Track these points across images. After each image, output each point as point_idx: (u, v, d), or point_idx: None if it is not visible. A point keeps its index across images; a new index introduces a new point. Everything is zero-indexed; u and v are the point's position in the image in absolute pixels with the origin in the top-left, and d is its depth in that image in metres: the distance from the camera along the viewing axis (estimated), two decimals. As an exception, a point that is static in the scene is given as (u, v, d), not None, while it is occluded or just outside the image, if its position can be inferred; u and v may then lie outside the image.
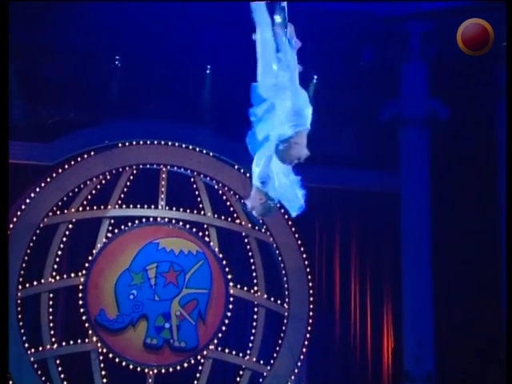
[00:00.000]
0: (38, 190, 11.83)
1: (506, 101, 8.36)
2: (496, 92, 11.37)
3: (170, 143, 12.24)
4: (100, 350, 11.85)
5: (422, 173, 11.55)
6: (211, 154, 12.17)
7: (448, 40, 10.88)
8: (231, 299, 12.09)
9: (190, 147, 12.31)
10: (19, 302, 11.50)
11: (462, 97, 11.42)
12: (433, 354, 11.36)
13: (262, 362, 12.01)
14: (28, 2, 9.70)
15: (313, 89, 11.34)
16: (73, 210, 11.98)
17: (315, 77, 11.61)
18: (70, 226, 11.97)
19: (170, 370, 12.01)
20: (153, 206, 12.28)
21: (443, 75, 11.35)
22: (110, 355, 11.91)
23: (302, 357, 12.08)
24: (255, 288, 12.25)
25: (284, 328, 12.09)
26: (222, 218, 12.14)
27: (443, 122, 11.46)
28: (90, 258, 11.96)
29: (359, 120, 11.66)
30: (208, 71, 12.03)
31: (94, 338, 11.84)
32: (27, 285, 11.69)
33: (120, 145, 12.24)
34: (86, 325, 11.84)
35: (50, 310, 11.45)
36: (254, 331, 12.04)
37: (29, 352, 11.56)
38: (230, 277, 12.19)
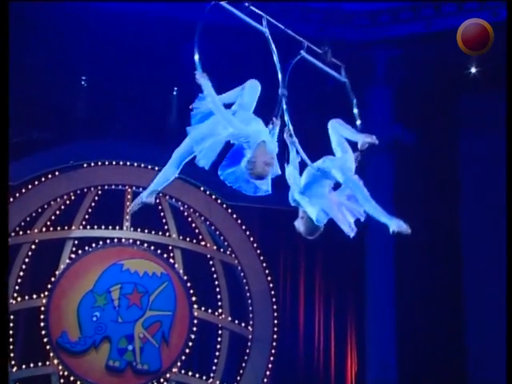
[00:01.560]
0: (0, 209, 11.71)
1: (506, 102, 8.33)
2: (460, 118, 11.61)
3: (135, 164, 12.22)
4: (61, 373, 11.73)
5: (387, 197, 11.27)
6: (176, 175, 12.20)
7: (413, 66, 11.11)
8: (195, 321, 12.02)
9: (156, 168, 12.19)
10: (-21, 323, 11.35)
11: (426, 122, 11.49)
12: (396, 378, 11.44)
13: (225, 384, 11.93)
14: (28, 2, 9.63)
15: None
16: (36, 230, 11.89)
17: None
18: (33, 246, 11.88)
19: (133, 393, 11.87)
20: (117, 227, 12.23)
21: (408, 101, 11.39)
22: (71, 378, 11.78)
23: (265, 380, 12.10)
24: (219, 310, 12.22)
25: (248, 351, 12.08)
26: (187, 239, 12.12)
27: (408, 147, 11.49)
28: (53, 279, 11.85)
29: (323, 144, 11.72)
30: (175, 93, 12.06)
31: (55, 361, 11.71)
32: (-13, 306, 11.54)
33: (85, 165, 12.20)
34: (47, 347, 11.70)
35: (11, 332, 11.20)
36: (217, 354, 12.00)
37: (-13, 375, 11.38)
38: (194, 299, 12.15)
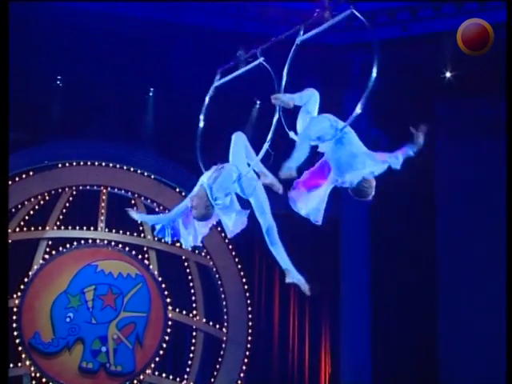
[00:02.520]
0: (-27, 209, 11.63)
1: (506, 103, 8.39)
2: (435, 123, 11.43)
3: (110, 164, 12.13)
4: (33, 375, 11.65)
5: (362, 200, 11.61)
6: (152, 176, 12.11)
7: (389, 70, 10.53)
8: (169, 323, 11.99)
9: (132, 169, 12.22)
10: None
11: (402, 127, 11.20)
12: (370, 380, 11.44)
13: (199, 386, 11.93)
14: (28, 2, 9.62)
15: (255, 114, 11.48)
16: (10, 230, 11.74)
17: (258, 102, 11.70)
18: (7, 246, 11.80)
19: (106, 394, 11.79)
20: (92, 228, 12.15)
21: (384, 105, 11.11)
22: (44, 380, 11.69)
23: (239, 382, 12.06)
24: (194, 312, 12.18)
25: (222, 353, 12.04)
26: (162, 241, 11.12)
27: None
28: (26, 279, 11.76)
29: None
30: (151, 93, 12.00)
31: (27, 362, 11.62)
32: (-41, 306, 11.44)
33: (60, 165, 12.10)
34: (19, 348, 11.60)
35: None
36: (191, 355, 11.96)
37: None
38: (168, 300, 12.10)
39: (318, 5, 5.09)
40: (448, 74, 11.07)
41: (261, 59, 5.35)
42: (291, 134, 5.24)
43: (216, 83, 5.50)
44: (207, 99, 5.75)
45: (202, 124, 5.52)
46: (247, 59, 5.43)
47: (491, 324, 10.69)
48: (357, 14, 5.08)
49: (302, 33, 5.26)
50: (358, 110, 5.09)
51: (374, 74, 5.48)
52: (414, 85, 11.24)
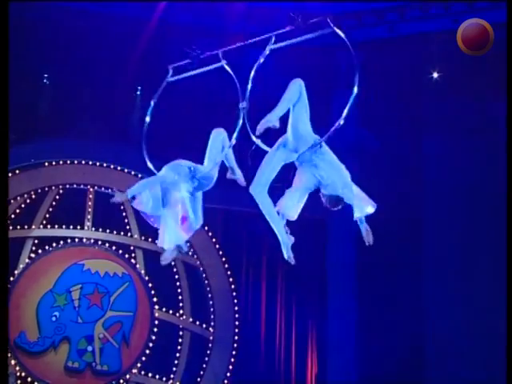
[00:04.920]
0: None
1: (507, 102, 8.26)
2: (423, 125, 11.43)
3: (97, 163, 12.06)
4: (18, 374, 11.58)
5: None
6: (139, 175, 11.94)
7: (377, 70, 10.86)
8: (156, 322, 11.95)
9: (118, 168, 12.12)
10: None
11: (390, 128, 11.36)
12: (356, 380, 11.38)
13: (185, 386, 11.87)
14: (28, 2, 9.63)
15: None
16: (-5, 228, 11.70)
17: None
18: (-8, 245, 11.71)
19: (91, 394, 11.72)
20: (79, 227, 12.08)
21: (372, 105, 11.15)
22: (29, 379, 11.63)
23: (225, 381, 12.00)
24: (181, 311, 12.11)
25: (208, 352, 11.99)
26: (149, 240, 11.88)
27: (372, 152, 11.44)
28: (12, 278, 11.65)
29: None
30: (138, 92, 11.97)
31: (13, 361, 11.52)
32: None
33: (46, 164, 12.03)
34: (5, 347, 11.51)
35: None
36: (178, 355, 11.91)
37: None
38: (155, 300, 12.06)
39: (289, 20, 5.13)
40: (435, 75, 11.08)
41: (223, 62, 5.46)
42: (255, 139, 5.31)
43: (168, 79, 5.65)
44: (156, 97, 5.92)
45: (148, 120, 5.76)
46: (201, 58, 5.56)
47: (479, 322, 10.76)
48: (339, 32, 5.21)
49: (273, 41, 5.34)
50: (341, 121, 5.11)
51: (355, 90, 5.48)
52: (401, 84, 11.19)
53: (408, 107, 11.48)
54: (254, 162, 5.29)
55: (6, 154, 5.61)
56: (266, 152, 5.33)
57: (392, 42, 10.60)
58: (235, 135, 5.28)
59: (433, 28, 10.13)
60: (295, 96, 5.30)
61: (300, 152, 5.15)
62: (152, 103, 5.65)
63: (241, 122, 5.31)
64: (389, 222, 10.88)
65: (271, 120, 5.08)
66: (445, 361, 11.01)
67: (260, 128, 5.11)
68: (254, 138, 5.26)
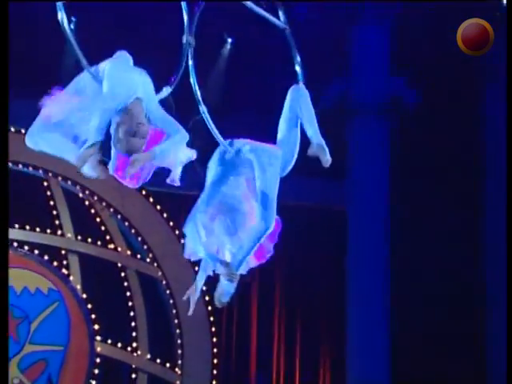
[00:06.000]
0: None
1: (507, 102, 8.53)
2: (485, 69, 10.30)
3: (12, 129, 10.13)
4: None
5: (378, 182, 10.15)
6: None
7: None
8: (98, 360, 10.48)
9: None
10: None
11: (435, 75, 10.33)
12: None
13: None
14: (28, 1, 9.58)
15: (226, 54, 10.49)
16: None
17: (229, 40, 10.46)
18: None
19: None
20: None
21: (410, 45, 10.29)
22: None
23: None
24: (134, 344, 10.57)
25: (174, 405, 11.12)
26: (89, 240, 10.66)
27: (409, 110, 10.39)
28: None
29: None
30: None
31: None
32: None
33: None
34: None
35: None
36: (129, 407, 11.06)
37: None
38: (96, 327, 10.44)
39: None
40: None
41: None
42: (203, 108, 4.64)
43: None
44: None
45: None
46: None
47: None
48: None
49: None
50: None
51: None
52: (448, 18, 9.59)
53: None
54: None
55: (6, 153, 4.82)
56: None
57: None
58: (175, 80, 4.57)
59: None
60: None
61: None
62: None
63: (184, 63, 4.64)
64: (434, 204, 10.37)
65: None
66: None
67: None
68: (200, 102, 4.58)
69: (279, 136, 4.80)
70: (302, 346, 11.00)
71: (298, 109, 4.78)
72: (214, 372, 10.63)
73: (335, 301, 10.71)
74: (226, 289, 4.53)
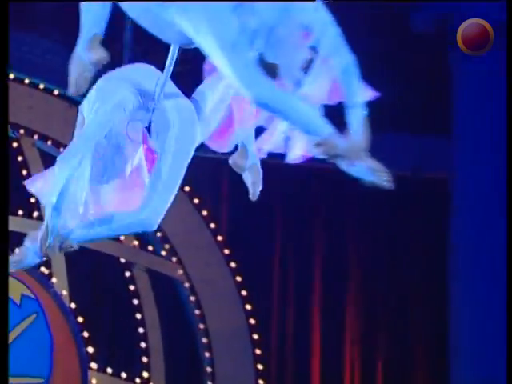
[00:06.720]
0: None
1: (506, 103, 8.08)
2: None
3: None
4: None
5: (495, 137, 8.50)
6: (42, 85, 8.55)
7: None
8: None
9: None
10: None
11: None
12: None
13: None
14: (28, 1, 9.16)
15: None
16: None
17: None
18: None
19: None
20: None
21: None
22: None
23: None
24: (144, 375, 8.57)
25: None
26: None
27: None
28: None
29: (378, 31, 8.96)
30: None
31: None
32: None
33: None
34: None
35: None
36: None
37: None
38: (90, 350, 8.59)
39: None
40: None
41: None
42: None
43: None
44: None
45: None
46: None
47: None
48: None
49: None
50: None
51: None
52: None
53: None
54: None
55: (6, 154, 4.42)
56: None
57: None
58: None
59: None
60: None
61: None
62: None
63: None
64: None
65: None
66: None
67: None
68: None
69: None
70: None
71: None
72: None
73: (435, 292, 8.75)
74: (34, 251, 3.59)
